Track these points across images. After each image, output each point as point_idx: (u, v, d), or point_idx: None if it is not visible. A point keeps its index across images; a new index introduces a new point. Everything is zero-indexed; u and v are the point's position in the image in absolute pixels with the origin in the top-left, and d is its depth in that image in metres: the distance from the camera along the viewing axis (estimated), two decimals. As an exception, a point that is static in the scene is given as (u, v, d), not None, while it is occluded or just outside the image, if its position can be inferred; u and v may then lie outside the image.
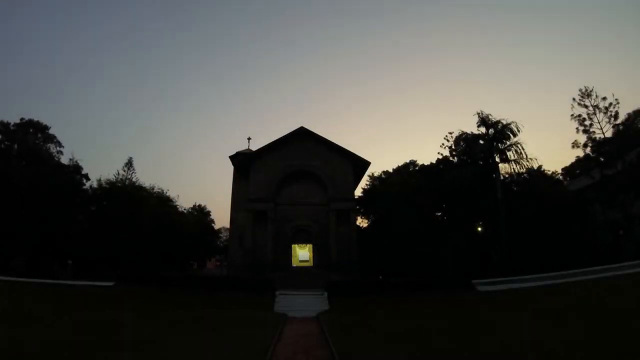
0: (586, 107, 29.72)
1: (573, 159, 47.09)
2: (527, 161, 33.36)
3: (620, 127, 30.61)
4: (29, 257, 28.61)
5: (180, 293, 20.92)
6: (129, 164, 41.48)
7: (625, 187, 28.45)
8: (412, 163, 42.69)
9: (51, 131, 41.52)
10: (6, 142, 35.73)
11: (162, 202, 50.06)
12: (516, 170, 34.73)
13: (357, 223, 39.35)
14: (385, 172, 42.85)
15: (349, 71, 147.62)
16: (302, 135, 37.60)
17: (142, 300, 19.47)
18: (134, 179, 41.66)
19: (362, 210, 42.78)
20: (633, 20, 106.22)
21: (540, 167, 36.33)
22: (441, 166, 38.36)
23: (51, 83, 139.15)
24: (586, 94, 29.78)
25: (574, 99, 30.17)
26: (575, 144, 30.41)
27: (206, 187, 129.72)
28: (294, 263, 34.86)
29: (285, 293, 22.21)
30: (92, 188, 40.25)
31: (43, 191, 30.58)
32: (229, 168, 41.77)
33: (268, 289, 21.72)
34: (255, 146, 40.34)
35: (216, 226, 69.92)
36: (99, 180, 41.83)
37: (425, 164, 40.50)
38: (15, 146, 36.02)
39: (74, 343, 9.46)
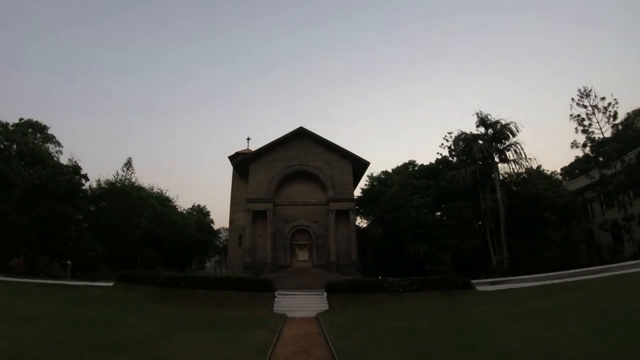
0: (585, 107, 29.70)
1: (572, 159, 47.45)
2: (526, 161, 33.56)
3: (619, 127, 30.63)
4: (28, 257, 28.54)
5: (180, 293, 20.89)
6: (128, 164, 41.37)
7: (625, 187, 28.47)
8: (412, 163, 42.68)
9: (50, 131, 41.62)
10: (5, 142, 35.66)
11: (161, 202, 50.09)
12: (515, 170, 34.93)
13: (357, 223, 39.35)
14: (385, 172, 42.83)
15: (348, 71, 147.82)
16: (301, 136, 37.64)
17: (141, 300, 19.44)
18: (133, 180, 41.56)
19: (361, 210, 42.78)
20: (633, 20, 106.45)
21: (539, 167, 36.46)
22: (440, 166, 38.39)
23: (51, 83, 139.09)
24: (585, 94, 29.76)
25: (572, 99, 30.16)
26: (574, 144, 30.39)
27: (205, 188, 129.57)
28: (294, 263, 34.85)
29: (285, 293, 22.22)
30: (91, 188, 40.21)
31: (42, 191, 30.53)
32: (228, 168, 41.74)
33: (268, 289, 21.69)
34: (254, 146, 40.45)
35: (215, 226, 69.85)
36: (98, 181, 41.91)
37: (425, 164, 40.54)
38: (15, 146, 35.96)
39: (74, 343, 9.43)
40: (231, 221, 39.62)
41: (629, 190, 28.78)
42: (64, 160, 37.71)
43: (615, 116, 29.02)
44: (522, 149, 33.29)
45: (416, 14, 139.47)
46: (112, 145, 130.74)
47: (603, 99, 29.00)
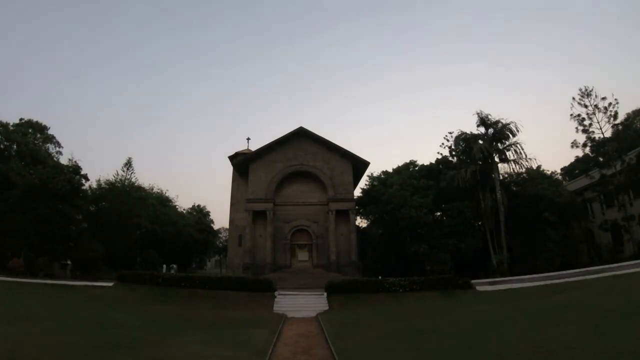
0: (586, 106, 29.67)
1: (572, 159, 47.44)
2: (527, 161, 33.53)
3: (620, 127, 30.60)
4: (28, 258, 28.59)
5: (180, 293, 20.88)
6: (128, 164, 41.39)
7: (625, 187, 28.45)
8: (412, 163, 42.64)
9: (50, 131, 41.68)
10: (5, 142, 35.69)
11: (161, 202, 50.16)
12: (515, 170, 34.92)
13: (357, 223, 39.34)
14: (385, 172, 42.81)
15: (348, 71, 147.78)
16: (301, 135, 37.63)
17: (141, 300, 19.44)
18: (133, 180, 41.58)
19: (361, 210, 42.77)
20: (633, 20, 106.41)
21: (539, 167, 36.44)
22: (440, 166, 38.37)
23: (51, 83, 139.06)
24: (586, 93, 29.73)
25: (573, 99, 30.14)
26: (574, 144, 30.38)
27: (205, 188, 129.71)
28: (294, 263, 34.83)
29: (285, 293, 22.22)
30: (91, 188, 40.26)
31: (42, 191, 30.55)
32: (229, 168, 41.74)
33: (268, 289, 21.68)
34: (254, 146, 40.45)
35: (215, 226, 70.00)
36: (98, 181, 41.94)
37: (425, 164, 40.52)
38: (15, 146, 35.99)
39: (74, 343, 9.43)
40: (231, 221, 39.62)
41: (629, 190, 28.76)
42: (64, 160, 37.83)
43: (615, 116, 28.99)
44: (522, 149, 33.32)
45: (416, 13, 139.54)
46: (112, 145, 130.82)
47: (604, 98, 28.99)
